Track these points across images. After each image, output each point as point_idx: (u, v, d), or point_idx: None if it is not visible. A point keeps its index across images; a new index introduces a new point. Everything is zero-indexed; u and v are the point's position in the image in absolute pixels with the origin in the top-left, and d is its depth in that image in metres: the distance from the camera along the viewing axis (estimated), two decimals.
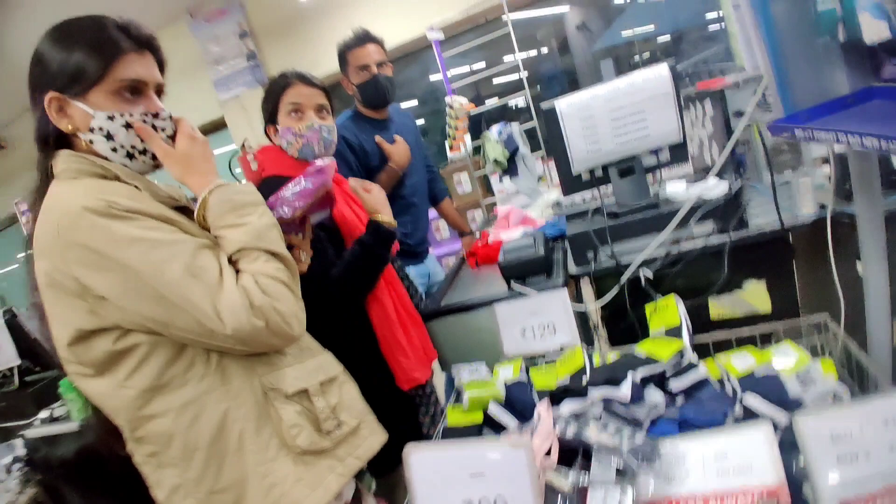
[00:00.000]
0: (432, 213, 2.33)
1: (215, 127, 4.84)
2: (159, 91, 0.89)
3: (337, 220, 1.25)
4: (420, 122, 5.73)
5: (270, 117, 1.29)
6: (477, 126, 3.42)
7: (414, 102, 5.54)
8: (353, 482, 0.97)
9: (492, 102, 3.45)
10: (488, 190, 3.38)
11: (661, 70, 1.30)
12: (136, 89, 0.85)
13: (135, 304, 0.77)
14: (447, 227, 3.58)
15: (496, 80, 5.21)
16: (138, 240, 0.77)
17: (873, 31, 0.62)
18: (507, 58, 3.18)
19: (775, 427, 0.77)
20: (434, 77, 5.08)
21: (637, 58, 5.02)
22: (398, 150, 1.85)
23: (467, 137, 3.00)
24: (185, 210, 0.91)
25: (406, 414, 1.32)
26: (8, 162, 5.19)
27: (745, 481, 0.66)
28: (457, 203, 3.54)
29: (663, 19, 5.45)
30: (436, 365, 1.51)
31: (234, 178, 1.34)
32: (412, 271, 1.86)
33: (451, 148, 2.95)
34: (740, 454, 0.70)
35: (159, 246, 0.77)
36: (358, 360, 1.20)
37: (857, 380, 0.87)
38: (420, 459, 0.76)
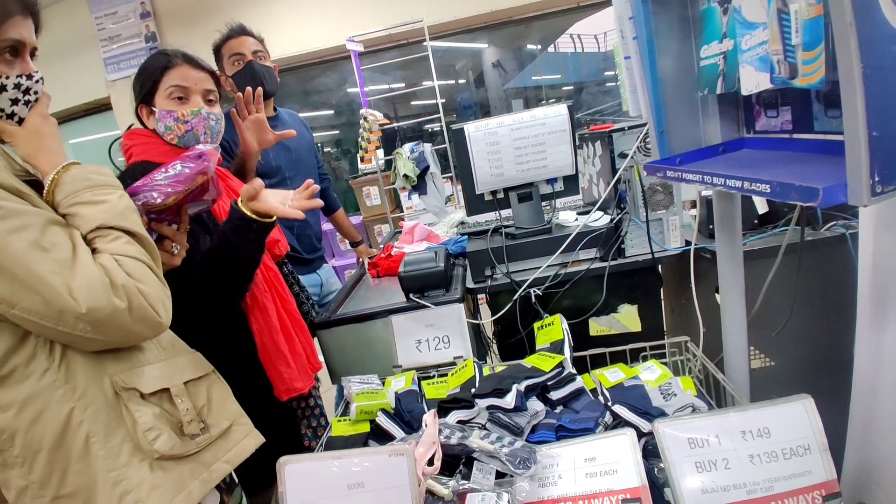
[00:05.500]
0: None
1: (99, 107, 4.37)
2: (33, 54, 0.85)
3: (216, 216, 1.15)
4: (335, 132, 5.63)
5: (145, 97, 1.15)
6: (391, 142, 3.44)
7: (330, 112, 5.45)
8: (216, 494, 0.89)
9: (408, 123, 3.50)
10: (397, 205, 3.39)
11: (561, 109, 1.42)
12: (15, 50, 0.81)
13: None
14: None
15: (414, 103, 5.32)
16: None
17: (752, 82, 0.72)
18: (427, 82, 3.26)
19: (640, 434, 0.84)
20: (352, 89, 5.04)
21: (544, 101, 5.44)
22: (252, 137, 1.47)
23: (380, 152, 3.00)
24: (39, 187, 0.82)
25: (285, 426, 1.24)
26: None
27: (611, 484, 0.71)
28: (365, 215, 3.50)
29: (569, 71, 5.98)
30: (326, 376, 1.45)
31: (114, 166, 1.19)
32: (301, 280, 1.77)
33: (362, 160, 2.93)
34: (607, 459, 0.75)
35: (5, 216, 0.69)
36: (231, 368, 1.11)
37: (715, 397, 0.98)
38: (294, 471, 0.72)
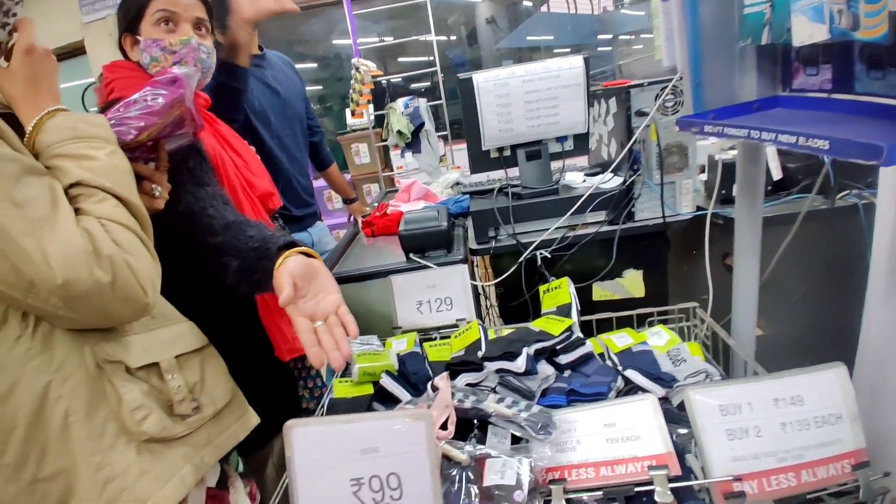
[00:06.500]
0: (322, 182, 2.18)
1: (72, 52, 4.07)
2: None
3: (215, 166, 1.05)
4: (318, 87, 5.39)
5: (130, 25, 1.04)
6: (380, 99, 3.30)
7: (313, 65, 5.19)
8: (217, 465, 0.83)
9: (403, 76, 3.34)
10: (387, 164, 3.28)
11: (576, 61, 1.34)
12: None
13: None
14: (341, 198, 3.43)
15: (402, 59, 5.11)
16: None
17: (805, 33, 0.66)
18: (418, 36, 3.10)
19: None
20: (338, 41, 4.79)
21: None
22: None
23: (371, 106, 2.86)
24: (16, 125, 0.70)
25: (283, 387, 1.20)
26: None
27: (635, 450, 0.69)
28: (353, 173, 3.38)
29: (564, 33, 5.80)
30: None
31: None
32: None
33: (353, 114, 2.80)
34: (628, 424, 0.72)
35: None
36: (231, 325, 1.05)
37: (722, 362, 0.97)
38: (303, 435, 0.67)
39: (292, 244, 0.86)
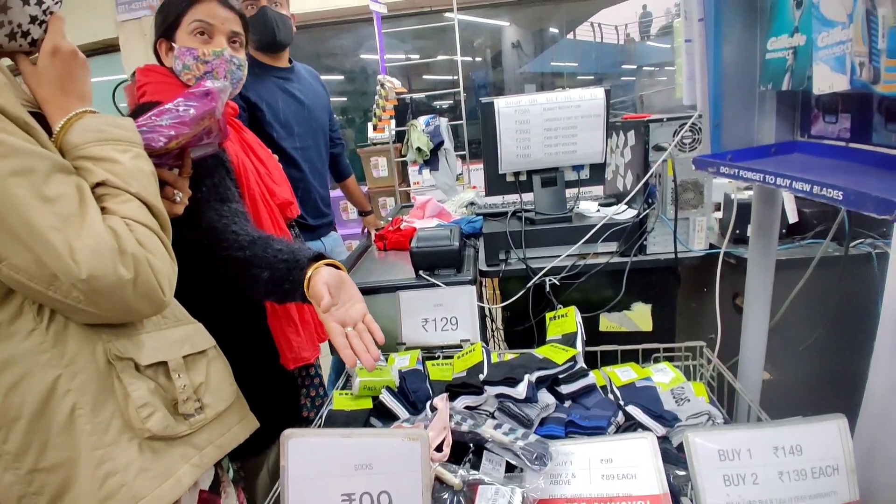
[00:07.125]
0: (338, 192, 2.21)
1: (105, 48, 4.21)
2: None
3: (237, 176, 1.08)
4: (343, 99, 5.50)
5: (166, 31, 1.07)
6: (402, 116, 3.35)
7: (339, 78, 5.31)
8: (211, 468, 0.84)
9: (427, 94, 3.39)
10: (404, 179, 3.32)
11: (598, 93, 1.36)
12: None
13: None
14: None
15: (427, 77, 5.20)
16: None
17: (826, 82, 0.67)
18: (443, 56, 3.16)
19: None
20: (365, 55, 4.90)
21: (559, 90, 5.34)
22: None
23: (393, 122, 2.91)
24: (44, 124, 0.73)
25: (285, 395, 1.20)
26: None
27: (630, 489, 0.68)
28: (370, 186, 3.43)
29: (588, 61, 5.87)
30: (324, 346, 1.41)
31: (118, 111, 1.10)
32: None
33: (375, 128, 2.85)
34: (625, 462, 0.72)
35: (7, 154, 0.61)
36: (240, 330, 1.06)
37: (726, 404, 0.95)
38: (299, 446, 0.68)
39: (320, 256, 0.91)
